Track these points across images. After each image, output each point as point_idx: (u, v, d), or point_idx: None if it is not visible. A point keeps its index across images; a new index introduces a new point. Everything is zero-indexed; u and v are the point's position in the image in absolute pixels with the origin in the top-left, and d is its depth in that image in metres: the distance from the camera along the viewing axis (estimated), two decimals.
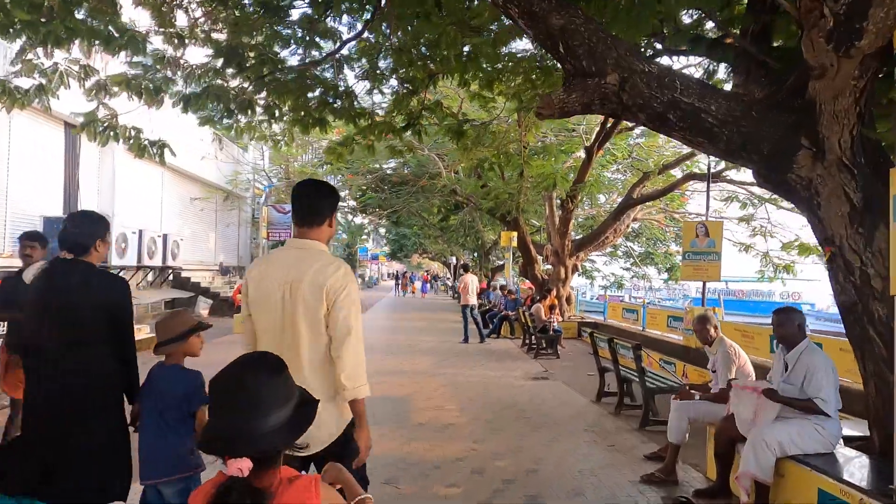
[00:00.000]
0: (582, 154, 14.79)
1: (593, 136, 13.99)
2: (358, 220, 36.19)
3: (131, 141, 7.30)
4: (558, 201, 15.82)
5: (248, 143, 21.07)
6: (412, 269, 62.73)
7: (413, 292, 41.35)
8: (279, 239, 19.92)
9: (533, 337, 12.08)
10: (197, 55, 7.22)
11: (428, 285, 46.03)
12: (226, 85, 7.44)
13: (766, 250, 14.47)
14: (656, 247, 23.76)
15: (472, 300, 13.61)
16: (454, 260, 38.64)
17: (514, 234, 17.08)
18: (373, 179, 22.66)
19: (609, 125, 13.11)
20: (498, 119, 11.30)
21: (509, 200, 15.22)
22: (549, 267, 16.93)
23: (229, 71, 7.09)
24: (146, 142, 7.38)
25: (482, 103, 8.78)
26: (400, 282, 41.62)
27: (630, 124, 14.61)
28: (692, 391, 5.03)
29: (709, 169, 11.19)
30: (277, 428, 1.34)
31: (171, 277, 18.19)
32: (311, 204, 2.38)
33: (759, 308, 42.31)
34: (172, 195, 19.61)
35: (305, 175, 24.75)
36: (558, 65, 7.98)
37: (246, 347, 2.45)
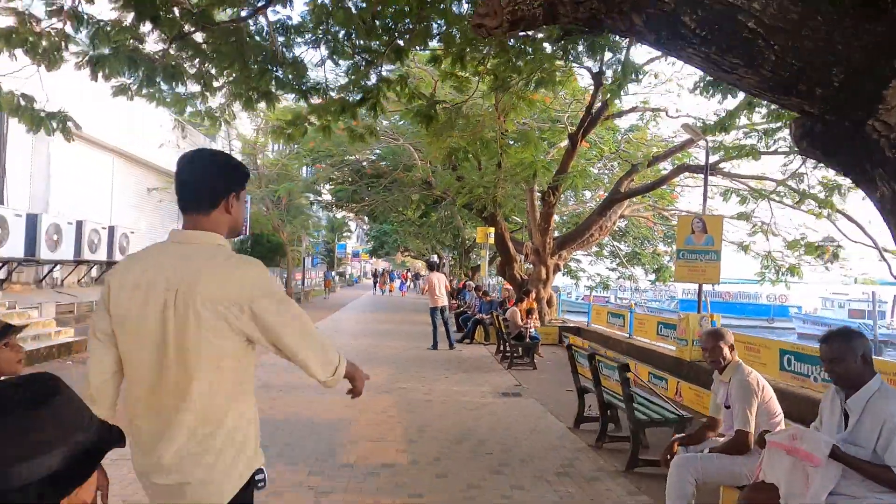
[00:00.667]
0: (565, 143, 13.53)
1: (577, 123, 12.74)
2: (339, 215, 34.81)
3: (20, 112, 5.98)
4: (539, 195, 14.56)
5: (218, 132, 19.64)
6: (396, 266, 61.50)
7: (391, 291, 40.22)
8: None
9: (507, 344, 10.80)
10: (107, 10, 5.92)
11: (408, 284, 44.82)
12: (142, 47, 6.14)
13: (767, 250, 13.23)
14: (644, 246, 22.68)
15: (442, 301, 12.30)
16: (435, 258, 37.42)
17: (491, 230, 15.78)
18: (349, 172, 21.29)
19: (595, 110, 11.87)
20: (472, 101, 10.03)
21: (485, 195, 13.92)
22: (531, 266, 15.67)
23: (148, 30, 5.81)
24: (42, 113, 6.06)
25: (455, 84, 7.61)
26: (378, 280, 40.42)
27: (617, 112, 13.38)
28: (688, 443, 3.72)
29: (707, 156, 9.92)
30: (27, 486, 0.89)
31: None
32: (199, 181, 1.78)
33: (747, 311, 41.60)
34: (126, 184, 18.15)
35: (276, 166, 23.28)
36: (547, 46, 6.83)
37: (94, 379, 1.78)
